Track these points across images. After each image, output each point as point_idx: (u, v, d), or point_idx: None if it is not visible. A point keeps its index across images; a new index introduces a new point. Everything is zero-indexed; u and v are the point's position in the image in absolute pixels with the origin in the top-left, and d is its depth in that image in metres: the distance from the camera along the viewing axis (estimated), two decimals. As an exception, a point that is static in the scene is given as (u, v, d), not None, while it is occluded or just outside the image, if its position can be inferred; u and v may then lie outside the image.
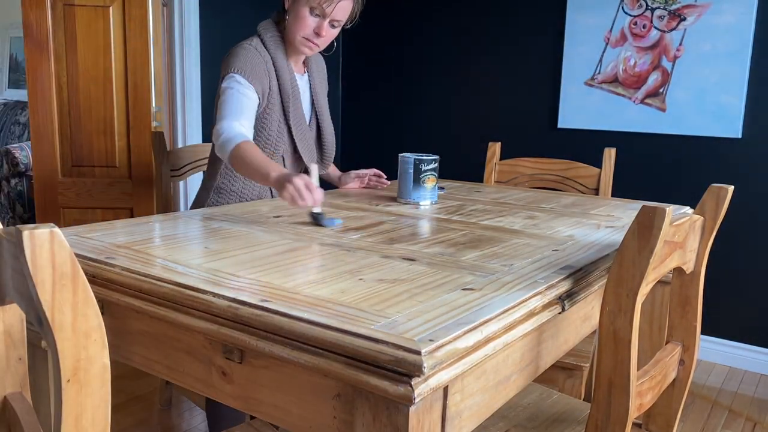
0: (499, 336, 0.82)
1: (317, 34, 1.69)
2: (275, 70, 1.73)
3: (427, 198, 1.70)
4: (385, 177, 2.01)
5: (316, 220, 1.39)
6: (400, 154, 1.71)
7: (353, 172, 2.00)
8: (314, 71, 1.91)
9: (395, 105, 3.71)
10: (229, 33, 3.16)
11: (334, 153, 1.96)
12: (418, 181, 1.68)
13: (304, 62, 1.88)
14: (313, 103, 1.90)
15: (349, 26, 1.77)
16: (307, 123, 1.87)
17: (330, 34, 1.72)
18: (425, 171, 1.68)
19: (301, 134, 1.82)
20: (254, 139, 1.74)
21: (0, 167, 4.38)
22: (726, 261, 2.84)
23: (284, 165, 1.83)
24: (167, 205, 2.18)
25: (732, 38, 2.70)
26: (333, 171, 2.05)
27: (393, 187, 2.00)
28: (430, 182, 1.69)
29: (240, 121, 1.60)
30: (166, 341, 0.96)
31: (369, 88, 3.79)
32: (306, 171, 1.84)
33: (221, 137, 1.56)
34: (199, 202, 1.86)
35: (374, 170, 2.00)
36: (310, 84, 1.89)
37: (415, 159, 1.67)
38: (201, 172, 3.13)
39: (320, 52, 1.89)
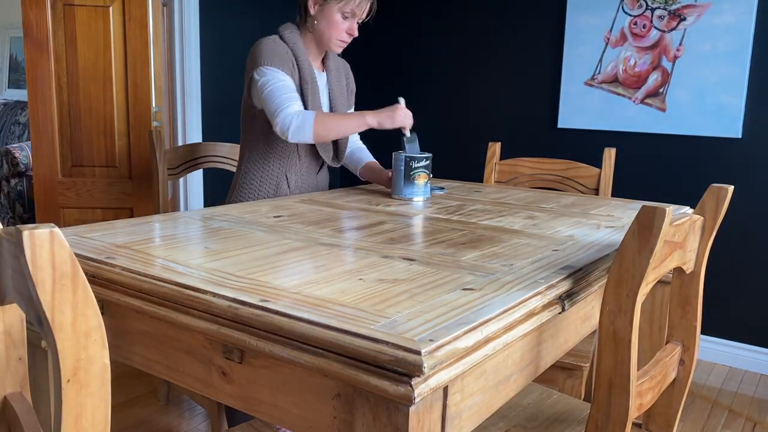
0: (499, 336, 0.82)
1: (350, 34, 1.83)
2: (295, 58, 1.81)
3: (420, 194, 1.74)
4: None
5: (407, 143, 1.76)
6: (394, 152, 1.75)
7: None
8: (332, 71, 1.96)
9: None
10: (229, 33, 3.16)
11: (347, 149, 2.01)
12: (409, 177, 1.73)
13: (322, 61, 1.94)
14: (330, 102, 1.95)
15: (366, 20, 1.88)
16: None
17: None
18: (416, 168, 1.73)
19: None
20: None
21: (0, 167, 4.38)
22: (726, 261, 2.84)
23: (298, 156, 1.88)
24: (165, 203, 2.18)
25: (732, 38, 2.70)
26: (376, 166, 2.01)
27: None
28: (422, 179, 1.74)
29: (295, 104, 1.70)
30: (166, 341, 0.96)
31: (369, 88, 3.79)
32: (322, 165, 1.98)
33: (292, 126, 1.67)
34: (228, 200, 1.95)
35: None
36: (328, 82, 1.94)
37: (405, 156, 1.73)
38: (201, 171, 3.13)
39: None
